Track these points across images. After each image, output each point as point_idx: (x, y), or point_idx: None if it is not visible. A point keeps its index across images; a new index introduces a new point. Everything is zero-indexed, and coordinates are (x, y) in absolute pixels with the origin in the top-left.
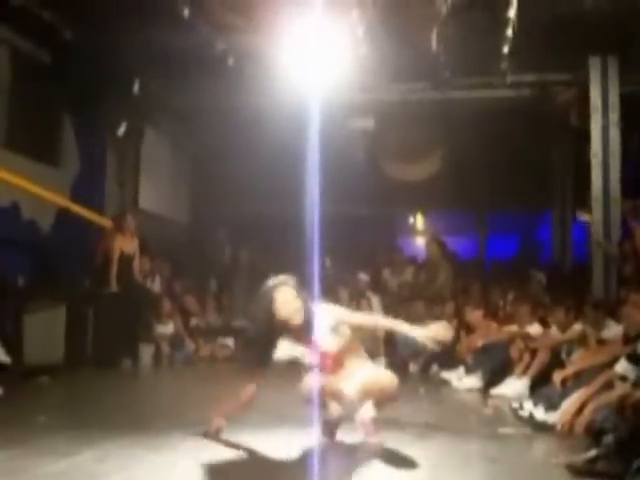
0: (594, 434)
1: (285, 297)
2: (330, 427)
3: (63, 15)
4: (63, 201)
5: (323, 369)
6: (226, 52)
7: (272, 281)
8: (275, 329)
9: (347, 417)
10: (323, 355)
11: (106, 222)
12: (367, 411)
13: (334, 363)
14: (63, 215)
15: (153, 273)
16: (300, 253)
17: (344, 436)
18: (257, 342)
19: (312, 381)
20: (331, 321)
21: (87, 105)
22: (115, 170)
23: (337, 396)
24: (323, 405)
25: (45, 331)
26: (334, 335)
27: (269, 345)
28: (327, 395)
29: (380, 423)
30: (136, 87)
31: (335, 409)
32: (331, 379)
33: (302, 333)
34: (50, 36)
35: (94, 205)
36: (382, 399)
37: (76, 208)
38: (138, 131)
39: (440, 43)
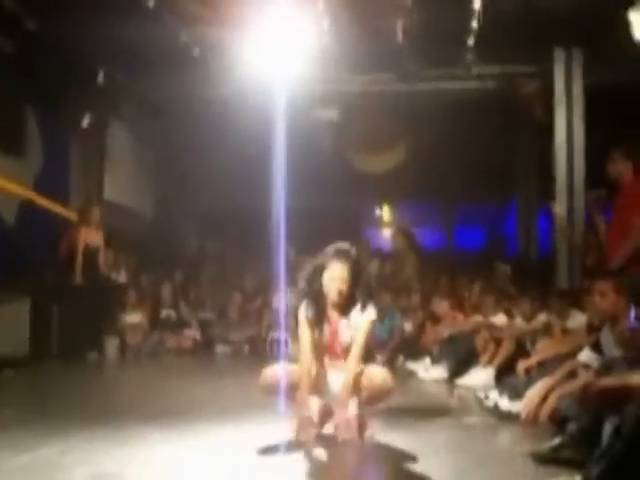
0: (558, 422)
1: (333, 274)
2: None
3: (27, 5)
4: (27, 193)
5: (329, 352)
6: (191, 43)
7: (333, 249)
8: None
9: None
10: (334, 340)
11: (71, 214)
12: (351, 409)
13: (338, 353)
14: (27, 207)
15: (119, 265)
16: (266, 244)
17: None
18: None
19: (277, 371)
20: (357, 320)
21: (51, 96)
22: (80, 162)
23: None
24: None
25: (9, 324)
26: (351, 331)
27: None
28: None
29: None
30: (101, 78)
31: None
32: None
33: (333, 310)
34: (14, 26)
35: (59, 197)
36: (373, 396)
37: (40, 200)
38: (103, 123)
39: (405, 34)
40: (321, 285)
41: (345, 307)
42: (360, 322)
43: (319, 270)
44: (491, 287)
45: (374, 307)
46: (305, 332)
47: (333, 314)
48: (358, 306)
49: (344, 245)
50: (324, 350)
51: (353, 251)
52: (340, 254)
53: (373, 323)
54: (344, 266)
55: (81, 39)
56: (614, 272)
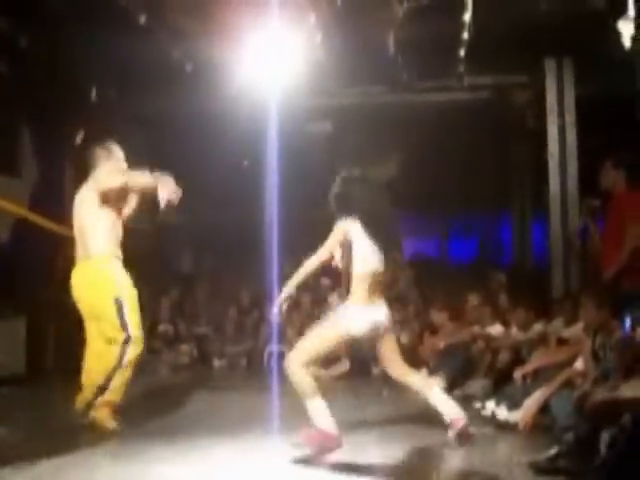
0: (555, 432)
1: None
2: None
3: (18, 22)
4: (22, 211)
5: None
6: (183, 58)
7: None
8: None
9: None
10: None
11: (66, 231)
12: (314, 417)
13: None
14: (22, 225)
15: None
16: (260, 259)
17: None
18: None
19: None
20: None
21: (45, 114)
22: (74, 179)
23: None
24: None
25: (5, 342)
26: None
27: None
28: None
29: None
30: (94, 95)
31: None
32: None
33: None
34: (5, 45)
35: (54, 214)
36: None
37: (35, 217)
38: (97, 139)
39: (397, 47)
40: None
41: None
42: None
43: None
44: (487, 297)
45: None
46: None
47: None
48: None
49: None
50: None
51: None
52: None
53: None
54: None
55: (73, 56)
56: (599, 286)
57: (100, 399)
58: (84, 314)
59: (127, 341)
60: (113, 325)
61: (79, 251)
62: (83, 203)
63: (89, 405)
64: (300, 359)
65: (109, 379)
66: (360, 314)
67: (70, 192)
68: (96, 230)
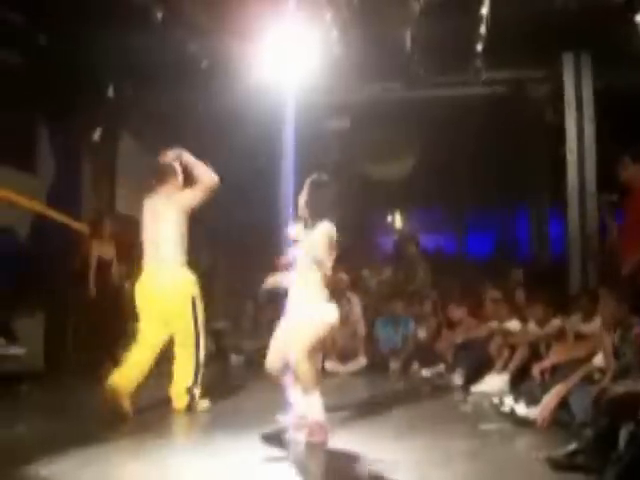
0: (574, 428)
1: None
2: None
3: (36, 20)
4: (40, 207)
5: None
6: (199, 55)
7: None
8: None
9: None
10: None
11: (83, 227)
12: (315, 410)
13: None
14: (40, 222)
15: (132, 277)
16: (277, 255)
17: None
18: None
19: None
20: None
21: (62, 110)
22: (91, 175)
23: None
24: None
25: (24, 338)
26: None
27: None
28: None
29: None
30: (110, 92)
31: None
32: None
33: None
34: (23, 41)
35: (71, 211)
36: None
37: (52, 214)
38: (114, 135)
39: (414, 42)
40: None
41: None
42: None
43: None
44: (504, 293)
45: None
46: None
47: None
48: None
49: None
50: None
51: None
52: None
53: None
54: None
55: (90, 53)
56: (619, 280)
57: (197, 384)
58: (146, 315)
59: (199, 335)
60: (188, 323)
61: (150, 256)
62: (162, 214)
63: (187, 392)
64: (304, 349)
65: (198, 365)
66: (331, 307)
67: (86, 189)
68: (175, 238)
